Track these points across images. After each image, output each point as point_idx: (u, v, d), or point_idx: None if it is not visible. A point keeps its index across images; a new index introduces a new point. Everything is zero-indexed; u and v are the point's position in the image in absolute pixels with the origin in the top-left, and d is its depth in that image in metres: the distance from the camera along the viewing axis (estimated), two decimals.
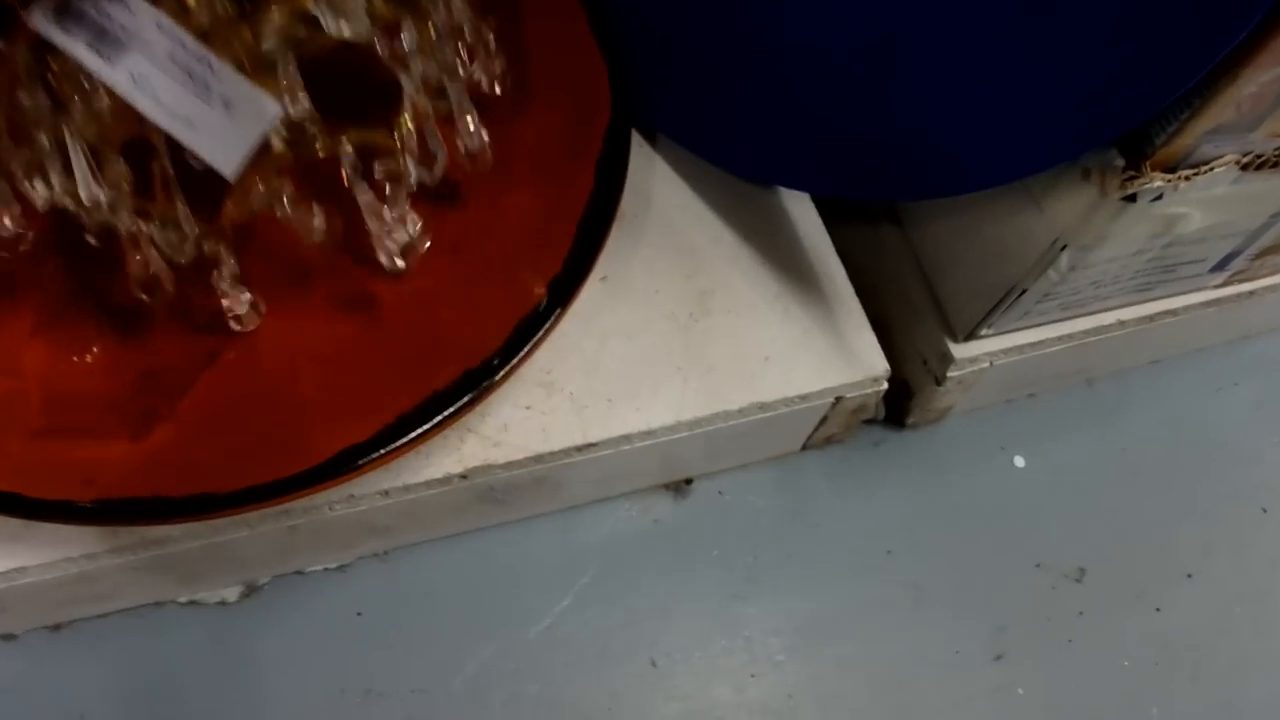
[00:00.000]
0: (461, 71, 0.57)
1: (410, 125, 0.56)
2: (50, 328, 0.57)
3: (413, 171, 0.56)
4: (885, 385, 0.64)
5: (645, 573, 0.64)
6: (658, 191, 0.65)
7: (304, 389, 0.56)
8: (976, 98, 0.54)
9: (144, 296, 0.54)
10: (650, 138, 0.67)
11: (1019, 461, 0.72)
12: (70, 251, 0.57)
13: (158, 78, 0.47)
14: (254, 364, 0.57)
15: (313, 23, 0.52)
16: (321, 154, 0.54)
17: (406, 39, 0.54)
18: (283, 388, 0.56)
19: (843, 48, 0.58)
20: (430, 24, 0.55)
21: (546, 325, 0.56)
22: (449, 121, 0.57)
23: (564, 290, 0.57)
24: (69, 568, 0.55)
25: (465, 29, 0.57)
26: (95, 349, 0.57)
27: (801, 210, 0.67)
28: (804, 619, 0.65)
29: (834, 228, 0.67)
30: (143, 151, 0.51)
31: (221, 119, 0.48)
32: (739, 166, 0.65)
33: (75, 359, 0.57)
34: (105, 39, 0.46)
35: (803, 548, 0.66)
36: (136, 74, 0.47)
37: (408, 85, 0.55)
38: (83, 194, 0.50)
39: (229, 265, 0.54)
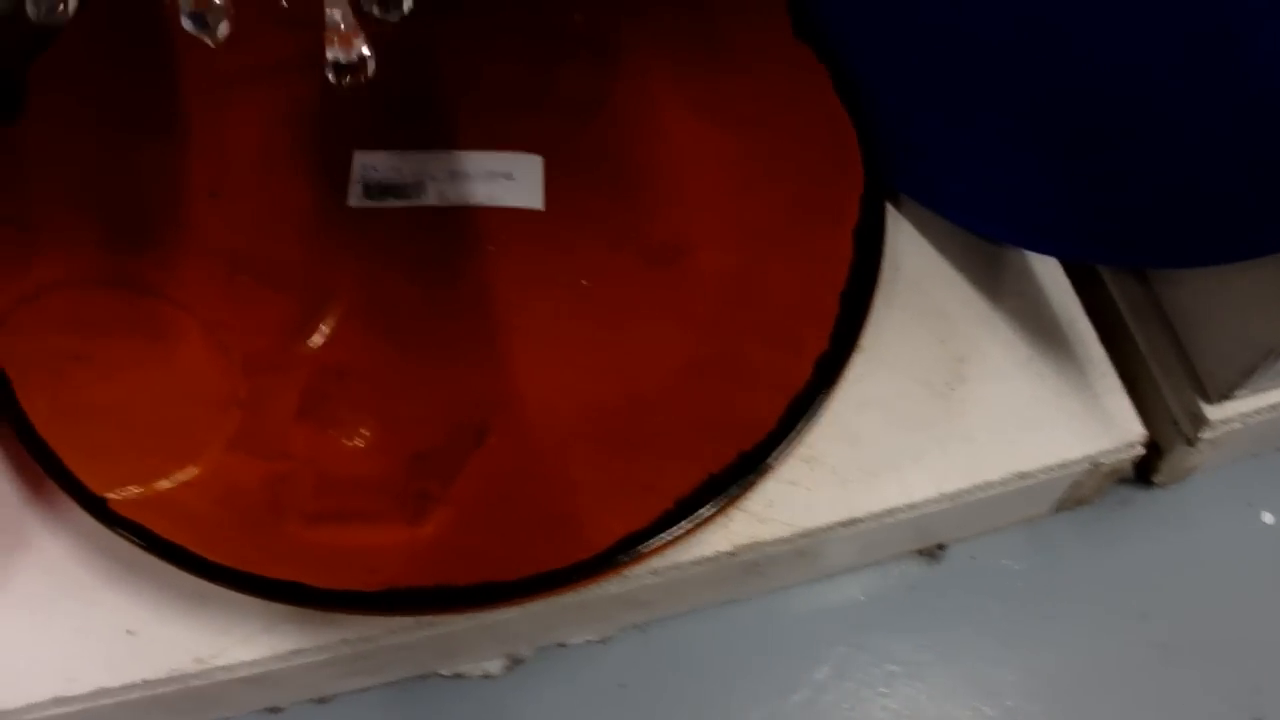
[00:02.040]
0: None
1: None
2: (317, 408, 0.57)
3: None
4: (1142, 450, 0.62)
5: (902, 639, 0.64)
6: (904, 254, 0.65)
7: (574, 470, 0.56)
8: (1245, 164, 0.53)
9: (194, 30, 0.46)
10: (893, 199, 0.66)
11: (1268, 518, 0.70)
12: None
13: None
14: (523, 444, 0.57)
15: None
16: None
17: None
18: (553, 469, 0.56)
19: (1108, 106, 0.56)
20: None
21: (817, 403, 0.56)
22: None
23: (832, 366, 0.57)
24: (344, 649, 0.56)
25: None
26: (363, 430, 0.57)
27: (1048, 269, 0.66)
28: (1061, 682, 0.64)
29: (1079, 286, 0.66)
30: None
31: None
32: (987, 228, 0.64)
33: (345, 441, 0.57)
34: None
35: (1057, 610, 0.65)
36: None
37: None
38: None
39: None
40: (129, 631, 0.56)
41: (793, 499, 0.59)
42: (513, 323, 0.60)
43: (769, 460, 0.55)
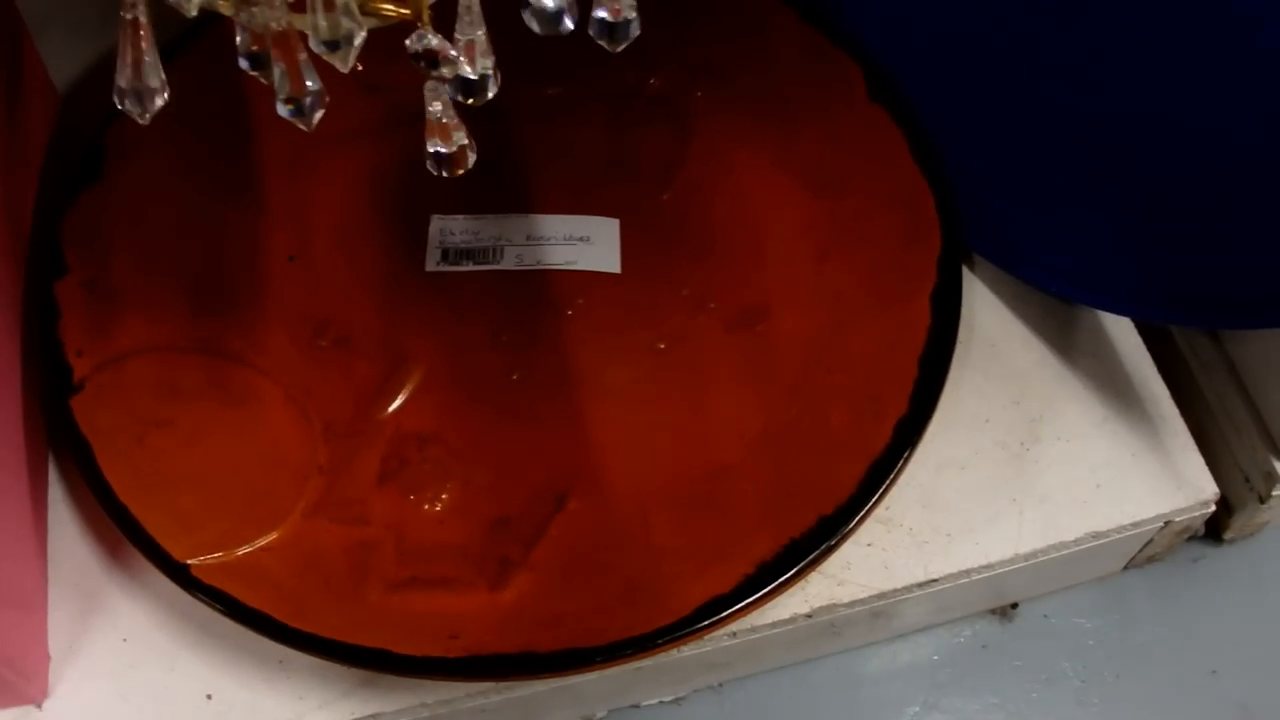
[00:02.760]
0: None
1: None
2: (397, 474, 0.58)
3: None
4: (1214, 508, 0.63)
5: (975, 698, 0.64)
6: (979, 315, 0.65)
7: (655, 535, 0.56)
8: None
9: (291, 117, 0.45)
10: (967, 259, 0.66)
11: None
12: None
13: None
14: (603, 509, 0.57)
15: None
16: None
17: None
18: (633, 534, 0.56)
19: (1190, 176, 0.56)
20: None
21: (897, 468, 0.56)
22: None
23: (911, 430, 0.57)
24: (421, 713, 0.56)
25: None
26: (444, 495, 0.57)
27: (1121, 329, 0.66)
28: None
29: (1150, 343, 0.66)
30: None
31: None
32: (1062, 289, 0.64)
33: (425, 507, 0.57)
34: None
35: (1129, 668, 0.65)
36: None
37: None
38: None
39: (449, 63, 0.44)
40: (207, 696, 0.56)
41: (870, 561, 0.59)
42: (591, 387, 0.60)
43: (849, 525, 0.54)
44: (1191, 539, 0.69)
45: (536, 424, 0.59)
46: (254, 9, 0.43)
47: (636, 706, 0.62)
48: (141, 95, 0.45)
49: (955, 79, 0.66)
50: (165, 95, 0.44)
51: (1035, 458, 0.62)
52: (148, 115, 0.45)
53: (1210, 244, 0.57)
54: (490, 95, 0.46)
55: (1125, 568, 0.67)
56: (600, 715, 0.62)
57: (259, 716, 0.56)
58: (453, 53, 0.44)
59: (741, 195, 0.65)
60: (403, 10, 0.43)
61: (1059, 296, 0.65)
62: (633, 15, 0.44)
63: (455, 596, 0.55)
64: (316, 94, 0.45)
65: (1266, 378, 0.63)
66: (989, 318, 0.66)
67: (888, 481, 0.56)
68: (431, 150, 0.47)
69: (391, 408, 0.60)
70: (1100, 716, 0.64)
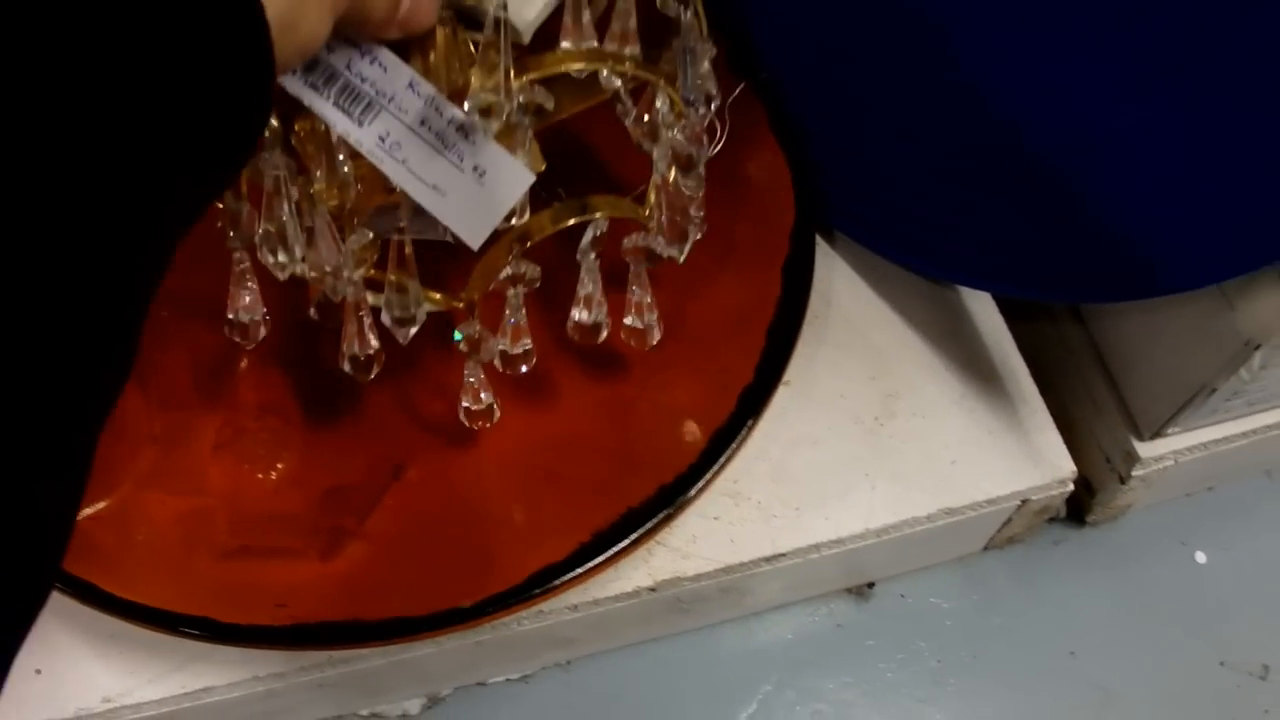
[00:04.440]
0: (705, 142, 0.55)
1: (657, 198, 0.54)
2: (233, 443, 0.57)
3: (662, 249, 0.54)
4: (1071, 487, 0.62)
5: (829, 677, 0.63)
6: (838, 291, 0.65)
7: (494, 506, 0.55)
8: (1181, 200, 0.53)
9: (350, 371, 0.53)
10: (828, 235, 0.65)
11: (1200, 557, 0.70)
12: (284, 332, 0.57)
13: (408, 141, 0.46)
14: (442, 480, 0.56)
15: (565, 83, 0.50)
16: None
17: (661, 104, 0.52)
18: (472, 505, 0.55)
19: (1044, 148, 0.56)
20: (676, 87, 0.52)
21: (739, 437, 0.55)
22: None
23: (756, 400, 0.57)
24: (255, 686, 0.55)
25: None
26: (279, 465, 0.56)
27: (983, 307, 0.66)
28: None
29: (1014, 323, 0.65)
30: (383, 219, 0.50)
31: (472, 187, 0.46)
32: (923, 266, 0.63)
33: (260, 475, 0.56)
34: (355, 99, 0.45)
35: (987, 649, 0.65)
36: (386, 137, 0.45)
37: (658, 156, 0.53)
38: (325, 263, 0.49)
39: (488, 348, 0.53)
40: (36, 671, 0.55)
41: (716, 534, 0.58)
42: (430, 353, 0.59)
43: (689, 494, 0.54)
44: (1054, 521, 0.68)
45: (378, 393, 0.58)
46: (336, 282, 0.49)
47: (483, 684, 0.62)
48: (248, 327, 0.55)
49: (816, 49, 0.66)
50: (266, 327, 0.55)
51: (890, 433, 0.62)
52: (251, 344, 0.55)
53: (1072, 216, 0.56)
54: (524, 370, 0.54)
55: (985, 549, 0.67)
56: (445, 693, 0.61)
57: (90, 691, 0.55)
58: (496, 343, 0.53)
59: (597, 164, 0.64)
60: (455, 302, 0.52)
61: (920, 273, 0.65)
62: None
63: (286, 566, 0.54)
64: (374, 354, 0.53)
65: (1128, 359, 0.63)
66: (848, 294, 0.65)
67: (729, 451, 0.55)
68: (464, 405, 0.55)
69: (230, 377, 0.58)
70: (956, 696, 0.63)
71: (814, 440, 0.61)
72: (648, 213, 0.53)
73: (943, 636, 0.65)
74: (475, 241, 0.48)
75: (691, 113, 0.51)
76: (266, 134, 0.46)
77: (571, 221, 0.51)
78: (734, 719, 0.62)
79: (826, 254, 0.65)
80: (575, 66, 0.49)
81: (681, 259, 0.55)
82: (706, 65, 0.51)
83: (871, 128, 0.65)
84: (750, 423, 0.56)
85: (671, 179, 0.53)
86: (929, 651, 0.65)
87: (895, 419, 0.62)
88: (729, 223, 0.62)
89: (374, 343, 0.52)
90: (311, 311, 0.53)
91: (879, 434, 0.62)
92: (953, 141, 0.60)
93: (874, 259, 0.66)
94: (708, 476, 0.55)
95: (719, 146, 0.56)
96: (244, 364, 0.59)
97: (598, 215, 0.51)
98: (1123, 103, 0.54)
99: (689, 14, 0.50)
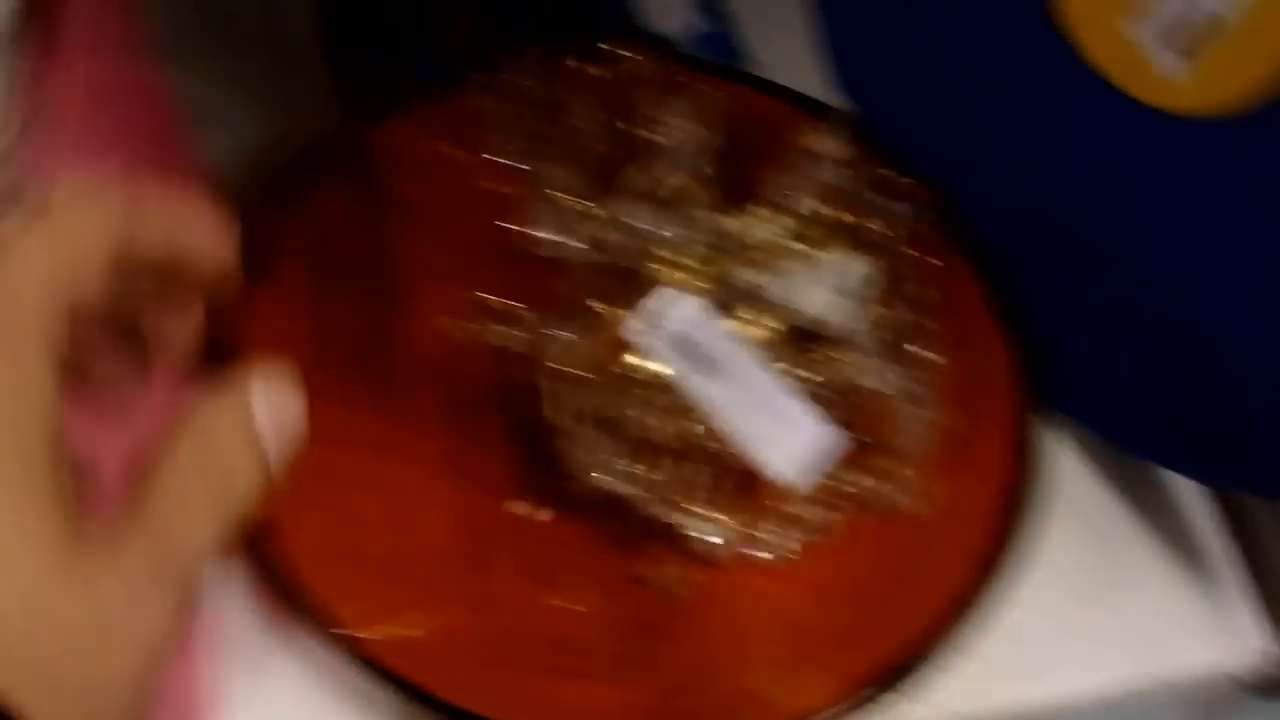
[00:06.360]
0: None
1: None
2: (533, 568, 0.64)
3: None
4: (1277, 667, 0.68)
5: None
6: (1063, 469, 0.71)
7: (758, 648, 0.63)
8: None
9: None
10: (1050, 415, 0.71)
11: None
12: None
13: (740, 401, 0.55)
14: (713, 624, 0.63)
15: None
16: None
17: None
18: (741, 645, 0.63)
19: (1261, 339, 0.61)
20: None
21: (975, 601, 0.62)
22: None
23: (990, 569, 0.63)
24: None
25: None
26: (580, 593, 0.63)
27: (1192, 485, 0.72)
28: None
29: (1221, 501, 0.72)
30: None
31: (782, 435, 0.55)
32: (1134, 446, 0.70)
33: (561, 604, 0.63)
34: (704, 362, 0.55)
35: None
36: (724, 396, 0.55)
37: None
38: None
39: None
40: None
41: (945, 686, 0.64)
42: None
43: (928, 653, 0.60)
44: (1248, 690, 0.73)
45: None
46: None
47: None
48: None
49: (1039, 239, 0.70)
50: None
51: (1112, 605, 0.69)
52: None
53: (1244, 418, 0.62)
54: None
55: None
56: None
57: None
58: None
59: None
60: None
61: (1130, 453, 0.71)
62: None
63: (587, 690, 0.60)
64: None
65: None
66: (1072, 472, 0.72)
67: (966, 614, 0.62)
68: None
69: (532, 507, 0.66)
70: None
71: (1041, 611, 0.67)
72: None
73: None
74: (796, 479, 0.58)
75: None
76: None
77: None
78: None
79: (1051, 434, 0.71)
80: None
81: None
82: None
83: (1085, 313, 0.69)
84: (986, 589, 0.62)
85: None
86: None
87: (1116, 590, 0.69)
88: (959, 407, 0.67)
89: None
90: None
91: (1098, 607, 0.68)
92: (1149, 334, 0.66)
93: (1096, 439, 0.72)
94: (946, 637, 0.61)
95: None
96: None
97: None
98: None
99: None
